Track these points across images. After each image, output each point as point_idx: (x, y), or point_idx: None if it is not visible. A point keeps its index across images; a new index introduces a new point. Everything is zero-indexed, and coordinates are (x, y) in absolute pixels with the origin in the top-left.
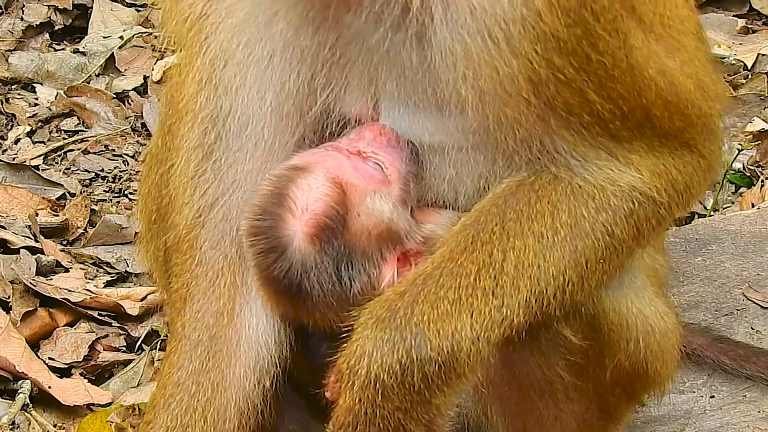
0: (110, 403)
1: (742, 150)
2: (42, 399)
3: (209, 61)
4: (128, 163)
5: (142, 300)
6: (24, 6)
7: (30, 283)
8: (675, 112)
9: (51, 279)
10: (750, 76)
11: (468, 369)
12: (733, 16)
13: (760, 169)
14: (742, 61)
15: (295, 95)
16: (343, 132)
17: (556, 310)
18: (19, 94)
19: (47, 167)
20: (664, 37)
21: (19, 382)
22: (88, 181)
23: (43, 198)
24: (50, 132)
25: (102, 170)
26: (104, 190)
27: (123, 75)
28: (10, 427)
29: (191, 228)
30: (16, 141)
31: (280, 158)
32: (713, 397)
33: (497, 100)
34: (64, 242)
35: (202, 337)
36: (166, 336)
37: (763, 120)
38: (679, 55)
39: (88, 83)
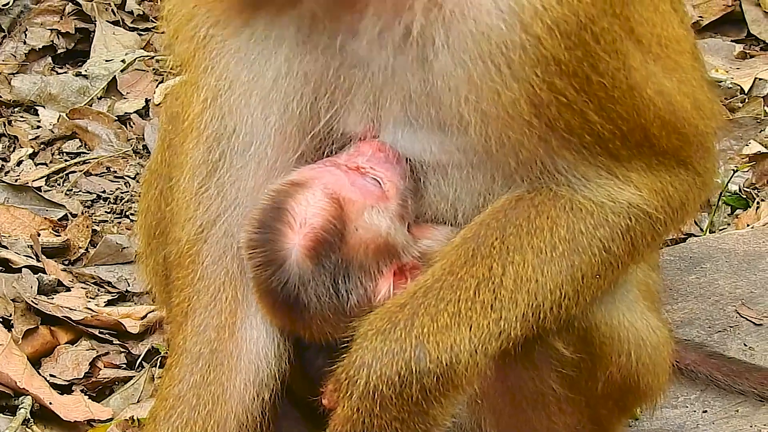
0: (111, 419)
1: (737, 172)
2: (43, 415)
3: (214, 82)
4: (129, 185)
5: (142, 318)
6: (27, 29)
7: (32, 301)
8: (672, 131)
9: (52, 298)
10: (747, 100)
11: (465, 381)
12: (731, 41)
13: (755, 191)
14: (739, 85)
15: (298, 116)
16: (343, 149)
17: (551, 324)
18: (21, 117)
19: (49, 188)
20: (661, 57)
21: (20, 399)
22: (89, 202)
23: (45, 218)
24: (52, 154)
25: (103, 191)
26: (105, 211)
27: (125, 98)
28: None
29: (193, 243)
30: (19, 163)
31: (282, 175)
32: (706, 411)
33: (499, 123)
34: (66, 262)
35: (203, 350)
36: (166, 353)
37: (759, 143)
38: (677, 75)
39: (90, 106)
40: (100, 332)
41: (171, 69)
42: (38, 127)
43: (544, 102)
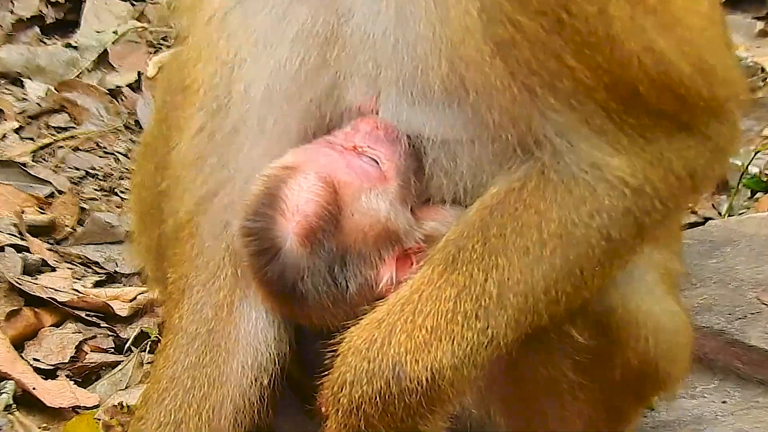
0: (97, 406)
1: (758, 153)
2: (26, 400)
3: (217, 44)
4: (120, 161)
5: (131, 301)
6: None
7: (15, 281)
8: (665, 93)
9: (37, 278)
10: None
11: (453, 394)
12: (752, 18)
13: None
14: (759, 65)
15: (302, 81)
16: (345, 122)
17: (550, 321)
18: (7, 89)
19: (35, 164)
20: (657, 12)
21: (3, 383)
22: (77, 179)
23: (31, 195)
24: (39, 128)
25: (92, 168)
26: (94, 189)
27: (116, 71)
28: None
29: (192, 216)
30: (4, 137)
31: (283, 146)
32: (725, 402)
33: (482, 79)
34: (52, 241)
35: (200, 330)
36: (157, 337)
37: None
38: (675, 33)
39: (80, 78)
40: (86, 315)
41: (165, 41)
42: (25, 100)
43: (512, 42)
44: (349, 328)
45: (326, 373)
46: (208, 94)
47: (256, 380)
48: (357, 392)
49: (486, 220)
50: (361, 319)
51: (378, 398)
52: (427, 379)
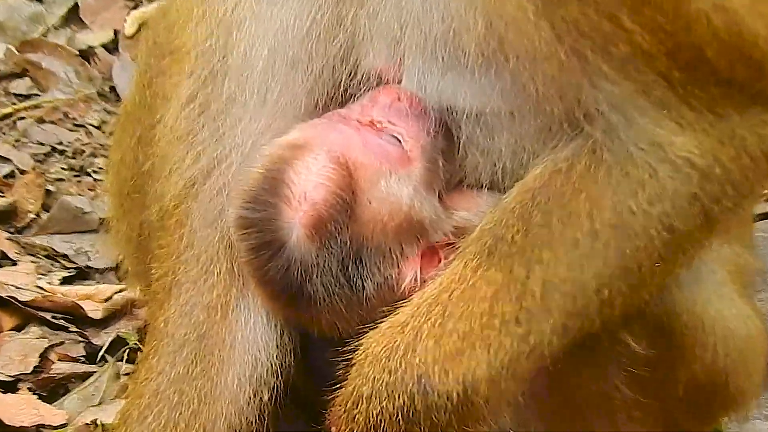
0: (65, 425)
1: None
2: None
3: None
4: (92, 135)
5: (106, 300)
6: None
7: None
8: (737, 58)
9: None
10: None
11: (488, 411)
12: None
13: None
14: None
15: (311, 42)
16: (362, 92)
17: (603, 327)
18: None
19: None
20: None
21: None
22: (42, 155)
23: None
24: None
25: (60, 143)
26: (62, 168)
27: (88, 28)
28: None
29: (181, 201)
30: None
31: (289, 120)
32: None
33: (523, 39)
34: (12, 229)
35: (189, 335)
36: (136, 345)
37: None
38: None
39: (46, 37)
40: (53, 317)
41: None
42: None
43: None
44: (365, 334)
45: (338, 386)
46: (201, 58)
47: (254, 395)
48: (375, 409)
49: (528, 206)
50: (380, 323)
51: (400, 416)
52: (458, 394)
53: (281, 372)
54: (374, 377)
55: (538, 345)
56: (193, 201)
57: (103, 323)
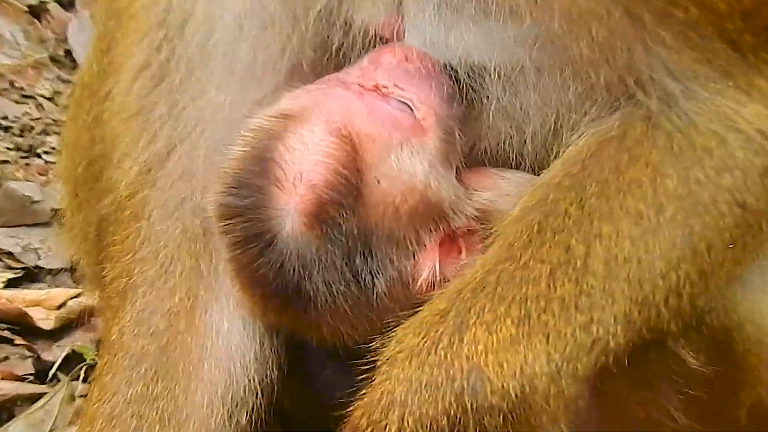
0: None
1: None
2: None
3: None
4: (44, 108)
5: (59, 308)
6: None
7: None
8: None
9: None
10: None
11: (546, 418)
12: None
13: None
14: None
15: None
16: (358, 53)
17: (669, 325)
18: None
19: None
20: None
21: None
22: None
23: None
24: None
25: (5, 118)
26: (7, 147)
27: None
28: None
29: (136, 189)
30: None
31: (265, 88)
32: None
33: None
34: None
35: (148, 348)
36: (94, 360)
37: None
38: None
39: None
40: None
41: None
42: None
43: None
44: (374, 341)
45: (348, 401)
46: (153, 18)
47: (230, 418)
48: (412, 414)
49: (579, 176)
50: (397, 325)
51: (446, 420)
52: (516, 392)
53: (261, 390)
54: (411, 377)
55: (601, 337)
56: (150, 189)
57: (55, 335)
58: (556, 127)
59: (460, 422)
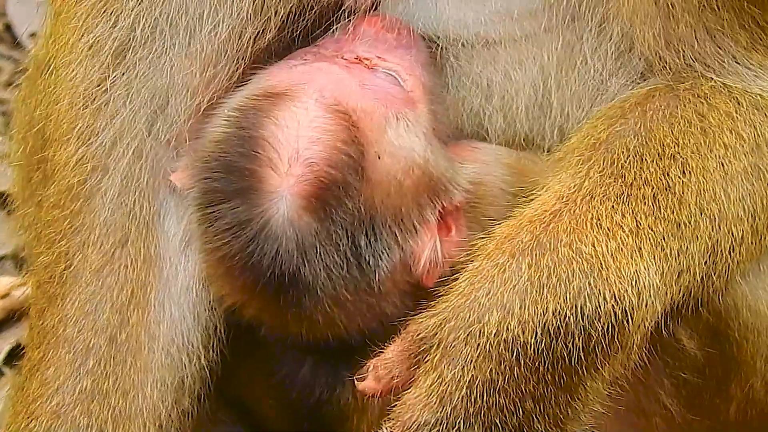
0: None
1: None
2: None
3: None
4: None
5: (3, 298)
6: None
7: None
8: None
9: None
10: None
11: (638, 337)
12: None
13: None
14: None
15: None
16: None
17: (717, 282)
18: None
19: None
20: None
21: None
22: None
23: None
24: None
25: None
26: None
27: None
28: None
29: (84, 172)
30: None
31: (231, 64)
32: None
33: None
34: None
35: (94, 340)
36: None
37: None
38: None
39: None
40: None
41: None
42: None
43: None
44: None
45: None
46: None
47: (175, 404)
48: (515, 318)
49: (658, 116)
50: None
51: (551, 326)
52: (630, 301)
53: (210, 377)
54: (517, 275)
55: (688, 269)
56: (100, 171)
57: None
58: (545, 104)
59: (566, 328)
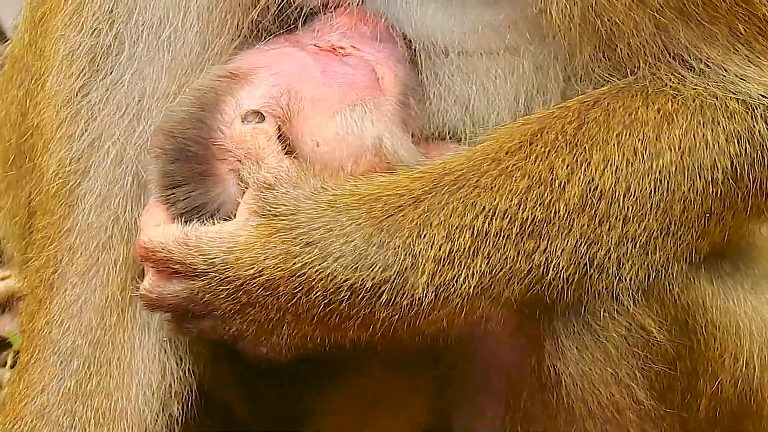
0: None
1: None
2: None
3: None
4: None
5: None
6: None
7: None
8: None
9: None
10: None
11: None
12: None
13: None
14: None
15: None
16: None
17: (620, 274)
18: None
19: None
20: None
21: None
22: None
23: None
24: None
25: None
26: None
27: None
28: None
29: (68, 176)
30: None
31: (198, 62)
32: None
33: None
34: None
35: (78, 342)
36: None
37: None
38: None
39: None
40: None
41: None
42: None
43: None
44: None
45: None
46: None
47: (163, 410)
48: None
49: (588, 104)
50: None
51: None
52: (433, 299)
53: (196, 381)
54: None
55: (541, 265)
56: (81, 177)
57: None
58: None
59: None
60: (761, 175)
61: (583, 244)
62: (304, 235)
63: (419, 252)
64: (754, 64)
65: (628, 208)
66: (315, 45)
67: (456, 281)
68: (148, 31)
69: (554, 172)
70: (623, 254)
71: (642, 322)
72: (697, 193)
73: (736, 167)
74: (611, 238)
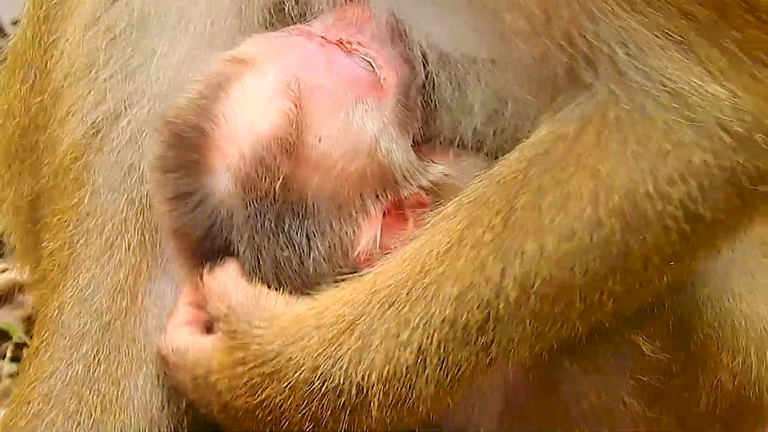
0: None
1: None
2: None
3: None
4: None
5: None
6: None
7: None
8: None
9: None
10: None
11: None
12: None
13: None
14: None
15: None
16: (313, 13)
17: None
18: None
19: None
20: None
21: None
22: None
23: None
24: None
25: None
26: None
27: None
28: None
29: (81, 152)
30: None
31: (216, 46)
32: None
33: None
34: None
35: (89, 326)
36: (21, 339)
37: None
38: None
39: None
40: None
41: None
42: None
43: None
44: None
45: None
46: None
47: (168, 403)
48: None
49: (518, 179)
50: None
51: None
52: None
53: None
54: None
55: (423, 331)
56: (96, 154)
57: None
58: (510, 122)
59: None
60: (717, 205)
61: (543, 326)
62: (264, 366)
63: (363, 377)
64: (685, 69)
65: (579, 283)
66: (323, 37)
67: (412, 393)
68: (166, 11)
69: (486, 271)
70: (585, 324)
71: (632, 338)
72: (652, 247)
73: (687, 209)
74: (570, 313)
